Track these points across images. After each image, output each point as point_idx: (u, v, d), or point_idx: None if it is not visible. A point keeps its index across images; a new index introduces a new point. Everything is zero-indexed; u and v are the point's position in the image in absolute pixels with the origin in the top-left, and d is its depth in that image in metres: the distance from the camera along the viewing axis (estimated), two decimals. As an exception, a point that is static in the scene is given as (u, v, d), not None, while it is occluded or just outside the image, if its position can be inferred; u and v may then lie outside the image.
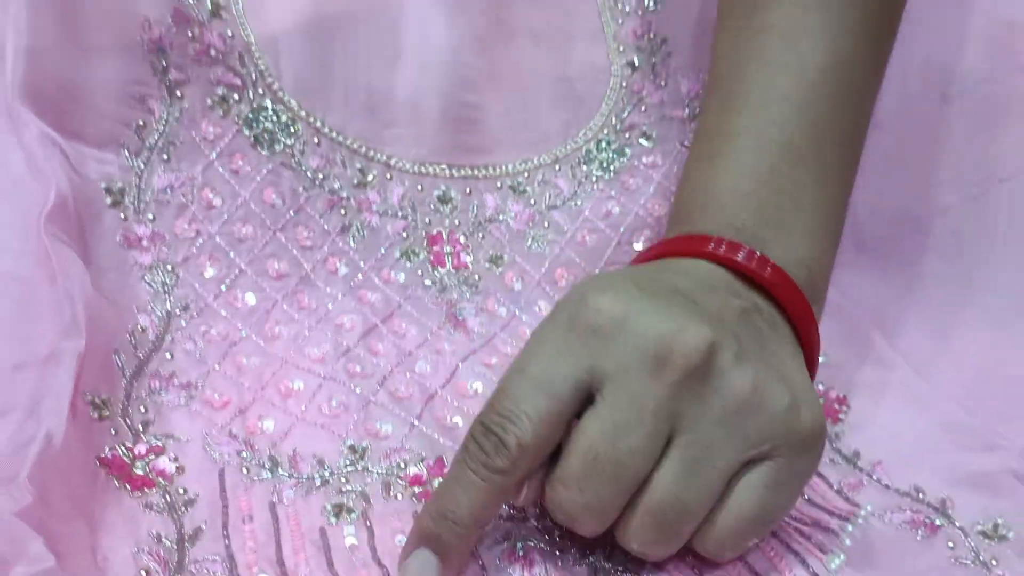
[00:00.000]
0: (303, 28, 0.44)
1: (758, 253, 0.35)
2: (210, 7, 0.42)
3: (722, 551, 0.32)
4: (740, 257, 0.35)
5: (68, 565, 0.27)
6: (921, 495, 0.38)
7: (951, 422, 0.41)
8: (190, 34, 0.42)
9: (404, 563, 0.30)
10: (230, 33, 0.43)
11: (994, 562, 0.35)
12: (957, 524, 0.37)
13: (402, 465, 0.37)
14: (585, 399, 0.30)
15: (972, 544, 0.36)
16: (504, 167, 0.49)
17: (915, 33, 0.47)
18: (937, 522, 0.37)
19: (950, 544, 0.36)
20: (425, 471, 0.37)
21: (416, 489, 0.36)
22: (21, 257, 0.35)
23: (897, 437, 0.42)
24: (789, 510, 0.33)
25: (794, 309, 0.35)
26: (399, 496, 0.36)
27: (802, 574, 0.33)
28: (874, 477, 0.40)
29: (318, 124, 0.45)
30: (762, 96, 0.39)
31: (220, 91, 0.43)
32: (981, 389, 0.43)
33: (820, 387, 0.45)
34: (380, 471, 0.37)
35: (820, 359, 0.47)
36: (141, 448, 0.34)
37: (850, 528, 0.36)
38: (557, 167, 0.50)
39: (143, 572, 0.30)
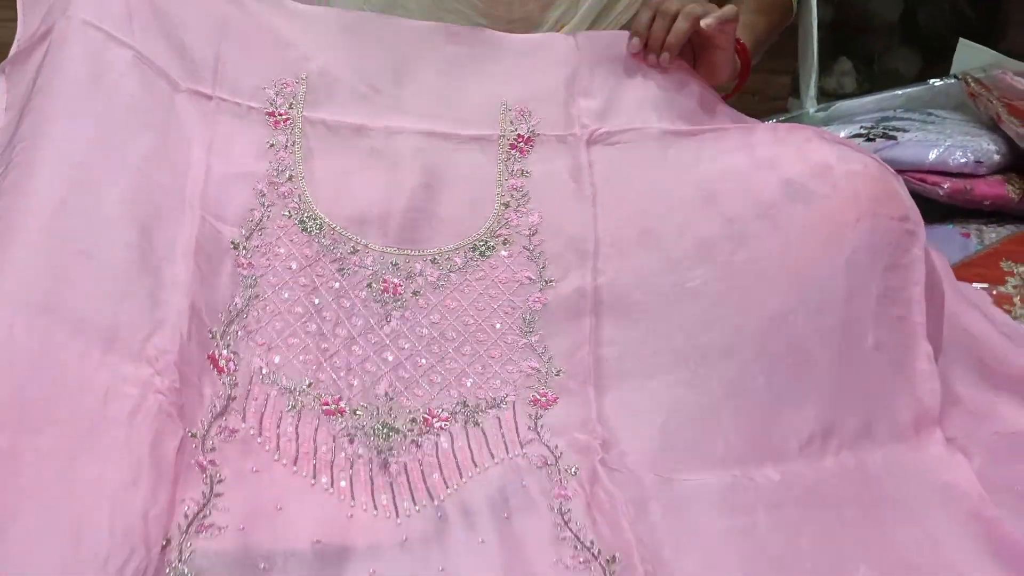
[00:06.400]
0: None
1: None
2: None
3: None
4: None
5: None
6: (557, 452, 0.83)
7: (586, 420, 0.85)
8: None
9: None
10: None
11: (563, 480, 0.80)
12: (560, 465, 0.81)
13: (320, 397, 0.85)
14: None
15: (560, 472, 0.81)
16: (429, 250, 0.95)
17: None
18: (550, 462, 0.82)
19: (550, 473, 0.81)
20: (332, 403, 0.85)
21: (327, 407, 0.84)
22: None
23: (562, 426, 0.86)
24: None
25: None
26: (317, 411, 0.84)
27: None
28: (542, 440, 0.84)
29: (335, 227, 0.93)
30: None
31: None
32: (625, 415, 0.86)
33: (544, 399, 0.89)
34: (316, 395, 0.85)
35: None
36: (224, 354, 0.84)
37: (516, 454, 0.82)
38: (456, 250, 0.95)
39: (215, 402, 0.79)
